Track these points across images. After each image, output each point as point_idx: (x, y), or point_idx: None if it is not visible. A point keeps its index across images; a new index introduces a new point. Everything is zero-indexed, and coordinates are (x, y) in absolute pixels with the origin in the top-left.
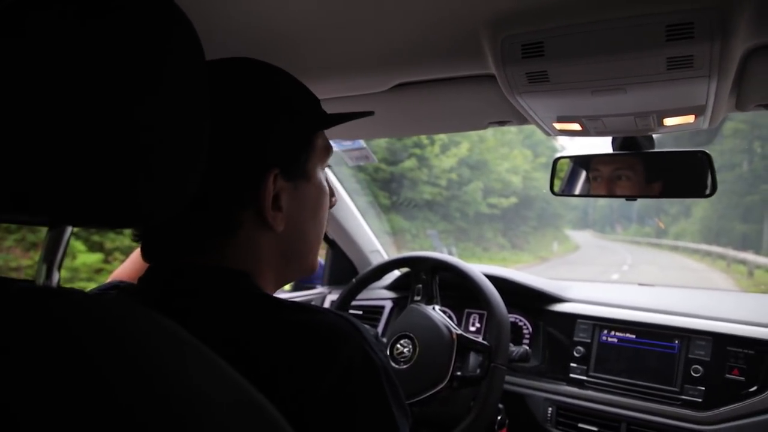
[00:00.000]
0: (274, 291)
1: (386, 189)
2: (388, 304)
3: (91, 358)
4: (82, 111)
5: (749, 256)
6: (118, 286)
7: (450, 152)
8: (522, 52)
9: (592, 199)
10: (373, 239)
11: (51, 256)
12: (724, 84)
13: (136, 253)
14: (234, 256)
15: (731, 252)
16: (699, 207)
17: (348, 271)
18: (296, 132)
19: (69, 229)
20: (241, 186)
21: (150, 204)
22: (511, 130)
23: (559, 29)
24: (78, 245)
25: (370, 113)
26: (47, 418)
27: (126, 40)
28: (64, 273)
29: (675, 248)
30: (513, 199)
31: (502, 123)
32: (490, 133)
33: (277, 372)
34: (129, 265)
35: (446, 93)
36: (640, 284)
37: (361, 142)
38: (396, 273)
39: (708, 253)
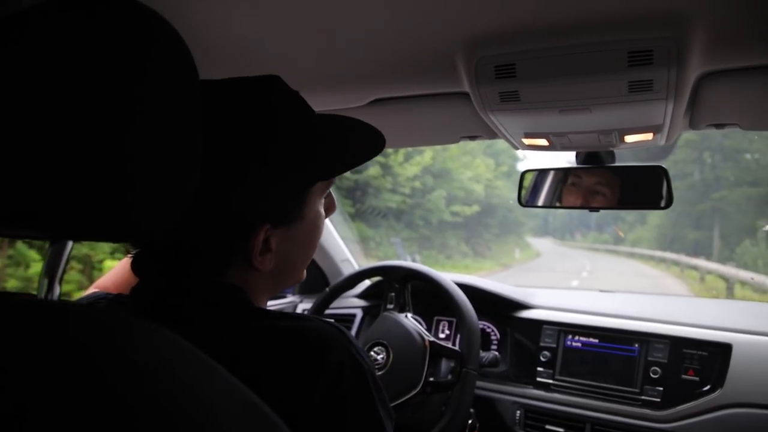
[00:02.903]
0: (265, 304)
1: (350, 197)
2: (360, 313)
3: (101, 370)
4: (80, 128)
5: (701, 262)
6: (106, 297)
7: (414, 160)
8: (495, 73)
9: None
10: (343, 248)
11: (52, 270)
12: (679, 105)
13: (122, 264)
14: (230, 277)
15: (684, 258)
16: (654, 215)
17: (318, 280)
18: (293, 189)
19: (70, 244)
20: (231, 237)
21: (144, 218)
22: None
23: (531, 52)
24: (32, 254)
25: (381, 139)
26: (58, 429)
27: (121, 57)
28: (14, 283)
29: (632, 255)
30: (476, 208)
31: (473, 137)
32: None
33: (269, 378)
34: (113, 276)
35: (421, 109)
36: (601, 291)
37: None
38: (366, 282)
39: (663, 260)
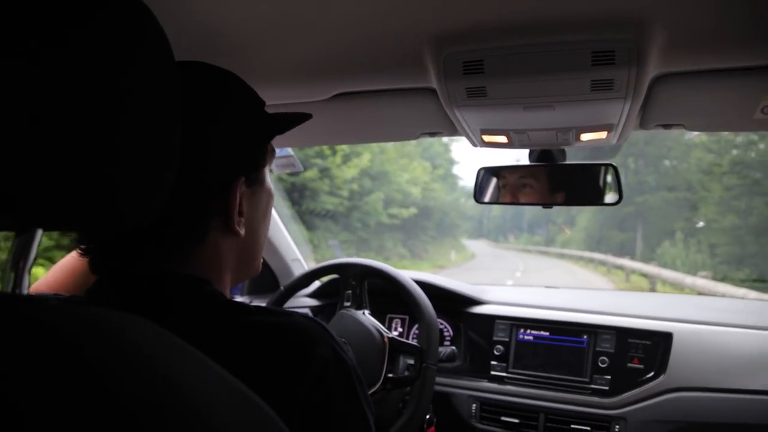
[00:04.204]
0: (228, 295)
1: (288, 199)
2: (310, 313)
3: (94, 367)
4: (52, 112)
5: (626, 262)
6: (57, 298)
7: (351, 163)
8: (463, 69)
9: (486, 210)
10: (293, 247)
11: (20, 262)
12: (635, 105)
13: (61, 265)
14: (197, 263)
15: (610, 258)
16: (582, 217)
17: (268, 280)
18: (260, 139)
19: (39, 233)
20: (211, 195)
21: (124, 207)
22: (410, 142)
23: (499, 49)
24: None
25: (309, 116)
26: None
27: (98, 42)
28: None
29: (562, 255)
30: (413, 210)
31: (433, 134)
32: (390, 144)
33: (253, 374)
34: (53, 277)
35: (384, 104)
36: (546, 287)
37: (289, 150)
38: (317, 281)
39: (591, 260)
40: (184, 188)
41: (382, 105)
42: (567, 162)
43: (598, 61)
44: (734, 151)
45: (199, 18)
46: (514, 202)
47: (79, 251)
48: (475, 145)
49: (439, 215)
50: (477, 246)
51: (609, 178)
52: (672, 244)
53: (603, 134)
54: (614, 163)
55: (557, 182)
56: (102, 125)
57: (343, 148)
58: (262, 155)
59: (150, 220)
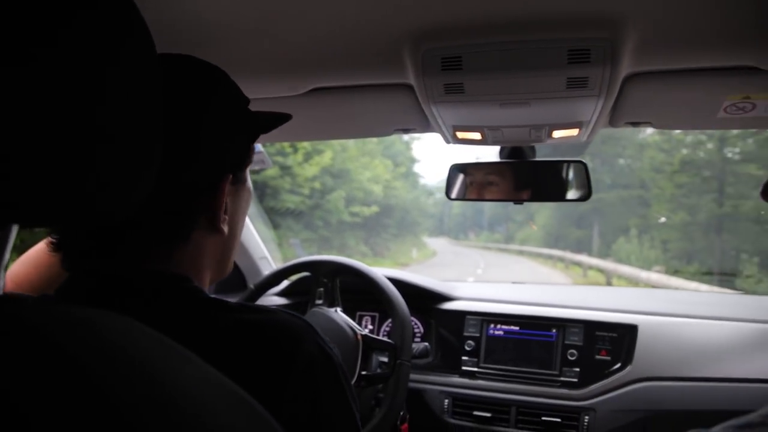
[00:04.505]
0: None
1: None
2: None
3: (85, 368)
4: (29, 106)
5: (584, 258)
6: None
7: (313, 161)
8: (441, 65)
9: (447, 208)
10: (261, 246)
11: None
12: (607, 103)
13: (26, 258)
14: (177, 261)
15: (569, 255)
16: (541, 214)
17: (235, 278)
18: (245, 138)
19: (14, 230)
20: (199, 193)
21: (103, 203)
22: (372, 140)
23: (477, 46)
24: None
25: (289, 116)
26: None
27: (80, 34)
28: None
29: (521, 252)
30: (374, 208)
31: (407, 130)
32: (352, 142)
33: (240, 372)
34: (18, 270)
35: (360, 99)
36: (513, 282)
37: (259, 146)
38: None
39: (549, 257)
40: (171, 185)
41: (357, 100)
42: (538, 159)
43: (574, 59)
44: (684, 151)
45: (173, 9)
46: (486, 199)
47: (51, 246)
48: (448, 141)
49: (401, 213)
50: (438, 244)
51: (578, 175)
52: (627, 241)
53: (575, 131)
54: (583, 160)
55: (528, 179)
56: (80, 120)
57: (305, 146)
58: (247, 154)
59: (128, 216)
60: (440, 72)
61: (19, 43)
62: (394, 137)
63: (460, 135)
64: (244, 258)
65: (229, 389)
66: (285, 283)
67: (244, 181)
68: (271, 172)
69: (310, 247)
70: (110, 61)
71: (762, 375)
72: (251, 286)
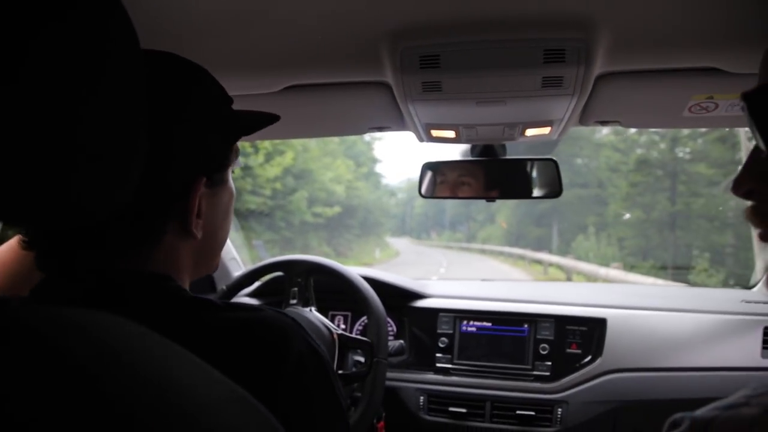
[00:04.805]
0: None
1: None
2: None
3: (83, 366)
4: (11, 102)
5: (544, 256)
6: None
7: (275, 161)
8: (420, 63)
9: (409, 208)
10: (230, 247)
11: None
12: (580, 102)
13: None
14: (155, 261)
15: (529, 253)
16: (502, 214)
17: (203, 280)
18: (224, 139)
19: None
20: (170, 196)
21: (89, 200)
22: (334, 140)
23: (455, 44)
24: None
25: (276, 117)
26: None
27: (63, 29)
28: None
29: (483, 251)
30: (337, 209)
31: (381, 128)
32: (313, 142)
33: (231, 371)
34: None
35: (336, 97)
36: (483, 279)
37: None
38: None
39: (510, 255)
40: (142, 187)
41: (333, 99)
42: (509, 157)
43: (550, 59)
44: (638, 150)
45: (144, 6)
46: (458, 197)
47: (23, 245)
48: (421, 140)
49: (363, 213)
50: (401, 243)
51: (549, 172)
52: (585, 238)
53: (546, 130)
54: (553, 158)
55: (500, 177)
56: (65, 117)
57: (266, 146)
58: (227, 155)
59: (111, 214)
60: (418, 70)
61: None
62: (355, 137)
63: (435, 133)
64: None
65: (229, 387)
66: (256, 284)
67: (224, 183)
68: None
69: (272, 248)
70: (94, 59)
71: (722, 363)
72: (223, 287)
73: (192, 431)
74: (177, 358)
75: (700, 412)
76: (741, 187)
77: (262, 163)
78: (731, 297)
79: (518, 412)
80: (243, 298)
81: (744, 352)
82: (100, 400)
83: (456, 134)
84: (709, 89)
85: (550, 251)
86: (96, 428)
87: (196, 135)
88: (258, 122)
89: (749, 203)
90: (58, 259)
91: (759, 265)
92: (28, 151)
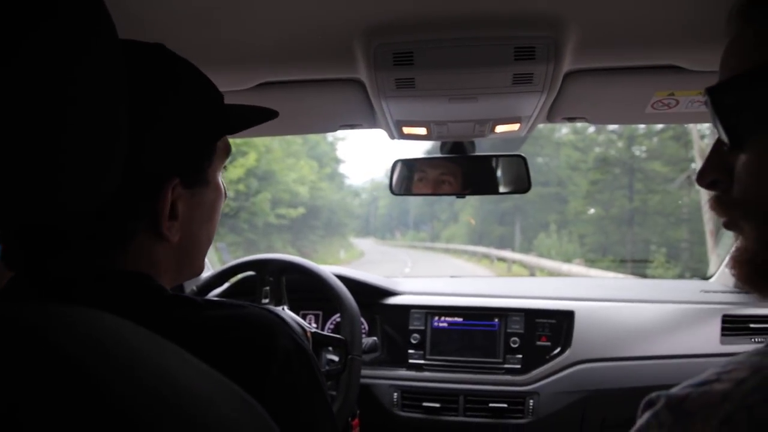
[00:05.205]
0: None
1: None
2: None
3: (81, 363)
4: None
5: (507, 254)
6: None
7: (237, 162)
8: (393, 60)
9: (372, 208)
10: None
11: None
12: (549, 98)
13: None
14: (128, 262)
15: (493, 251)
16: (465, 213)
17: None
18: (201, 139)
19: None
20: (136, 196)
21: (70, 195)
22: (297, 141)
23: (429, 42)
24: None
25: (275, 113)
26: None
27: (44, 25)
28: None
29: (447, 250)
30: (301, 210)
31: (353, 126)
32: (276, 143)
33: (218, 368)
34: None
35: (309, 95)
36: (452, 276)
37: None
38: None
39: (474, 254)
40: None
41: (306, 96)
42: (479, 153)
43: (520, 56)
44: (597, 149)
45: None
46: (429, 193)
47: None
48: (392, 137)
49: (327, 214)
50: (365, 244)
51: (518, 168)
52: (547, 236)
53: (516, 126)
54: (522, 154)
55: (470, 173)
56: (45, 108)
57: None
58: (207, 154)
59: (97, 206)
60: (392, 67)
61: None
62: (318, 137)
63: (406, 130)
64: None
65: (224, 383)
66: (225, 285)
67: (206, 182)
68: None
69: (236, 251)
70: (75, 52)
71: (684, 351)
72: (193, 287)
73: (187, 426)
74: (169, 353)
75: (674, 390)
76: (705, 178)
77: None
78: (691, 287)
79: (491, 404)
80: (214, 299)
81: (704, 339)
82: (97, 396)
83: (427, 131)
84: (670, 86)
85: (513, 249)
86: (93, 424)
87: (169, 134)
88: (249, 119)
89: (710, 195)
90: (28, 258)
91: (714, 257)
92: (11, 144)
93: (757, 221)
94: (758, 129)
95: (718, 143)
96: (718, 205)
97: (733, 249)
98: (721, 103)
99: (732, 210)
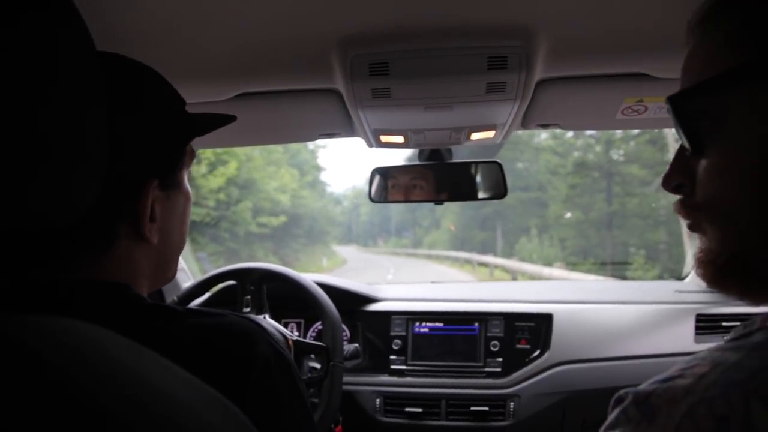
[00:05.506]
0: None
1: None
2: None
3: (61, 370)
4: None
5: (489, 259)
6: None
7: (217, 171)
8: (369, 70)
9: (354, 216)
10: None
11: None
12: (522, 106)
13: None
14: (108, 269)
15: (475, 256)
16: (447, 219)
17: (152, 293)
18: (176, 140)
19: None
20: (120, 197)
21: (50, 205)
22: (278, 149)
23: (404, 52)
24: None
25: (233, 118)
26: None
27: (20, 30)
28: None
29: (429, 256)
30: (282, 218)
31: (331, 135)
32: (257, 151)
33: (200, 376)
34: None
35: (287, 105)
36: (432, 282)
37: None
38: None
39: (457, 259)
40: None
41: (284, 106)
42: (456, 161)
43: (493, 66)
44: (576, 153)
45: (95, 12)
46: (407, 200)
47: None
48: (371, 145)
49: (309, 222)
50: (347, 252)
51: (494, 174)
52: (528, 240)
53: (491, 133)
54: (498, 160)
55: (447, 180)
56: (23, 122)
57: (209, 156)
58: (180, 157)
59: (73, 219)
60: (368, 77)
61: None
62: (299, 145)
63: (384, 139)
64: None
65: (205, 389)
66: (206, 295)
67: (179, 185)
68: None
69: (217, 260)
70: (51, 62)
71: (660, 350)
72: (174, 298)
73: (166, 430)
74: (149, 362)
75: (641, 386)
76: (670, 182)
77: (205, 173)
78: (666, 288)
79: (472, 408)
80: (193, 308)
81: (679, 338)
82: (78, 404)
83: (405, 139)
84: (639, 93)
85: (495, 254)
86: (78, 430)
87: (147, 135)
88: (213, 123)
89: (678, 198)
90: (10, 266)
91: (689, 257)
92: None
93: (718, 223)
94: (716, 135)
95: (682, 149)
96: (682, 208)
97: (697, 250)
98: (682, 111)
99: (695, 213)
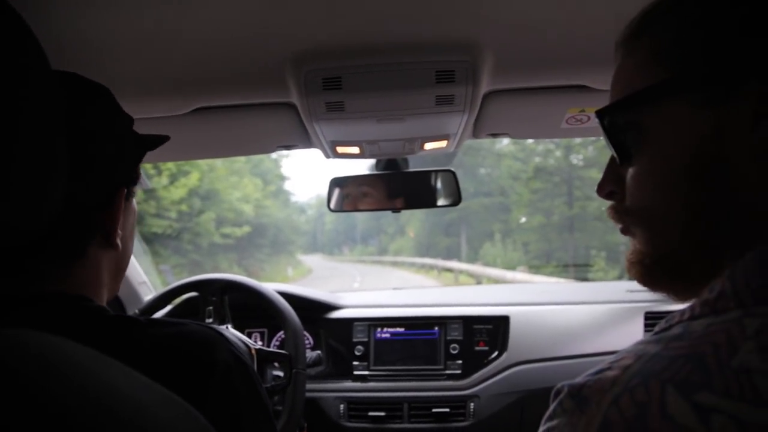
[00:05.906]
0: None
1: None
2: None
3: (24, 377)
4: None
5: (454, 264)
6: None
7: (179, 182)
8: (323, 85)
9: (319, 224)
10: (139, 270)
11: None
12: (471, 117)
13: None
14: (76, 280)
15: (440, 262)
16: (411, 225)
17: (112, 305)
18: (135, 151)
19: None
20: (93, 208)
21: (12, 219)
22: (240, 159)
23: (356, 67)
24: None
25: (167, 138)
26: None
27: None
28: None
29: (395, 263)
30: (246, 228)
31: (289, 147)
32: (219, 162)
33: (162, 382)
34: None
35: (244, 118)
36: (395, 288)
37: None
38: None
39: (422, 265)
40: (66, 201)
41: (241, 119)
42: (411, 170)
43: (441, 79)
44: (537, 159)
45: (50, 27)
46: (364, 209)
47: None
48: (328, 156)
49: (274, 232)
50: (313, 261)
51: (449, 182)
52: (492, 245)
53: (443, 143)
54: (452, 169)
55: (403, 188)
56: None
57: (170, 167)
58: (136, 170)
59: (37, 233)
60: (322, 91)
61: None
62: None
63: (340, 150)
64: (122, 283)
65: (167, 394)
66: (168, 307)
67: (133, 195)
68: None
69: (180, 272)
70: (8, 80)
71: (612, 348)
72: (135, 311)
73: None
74: (112, 369)
75: (576, 379)
76: (603, 189)
77: (166, 185)
78: (618, 288)
79: (434, 410)
80: (155, 318)
81: (629, 336)
82: (47, 412)
83: (360, 150)
84: (581, 103)
85: (460, 259)
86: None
87: (114, 148)
88: (158, 140)
89: (610, 203)
90: None
91: None
92: None
93: (644, 227)
94: (641, 146)
95: (613, 158)
96: (614, 213)
97: (628, 252)
98: (609, 124)
99: (625, 217)
